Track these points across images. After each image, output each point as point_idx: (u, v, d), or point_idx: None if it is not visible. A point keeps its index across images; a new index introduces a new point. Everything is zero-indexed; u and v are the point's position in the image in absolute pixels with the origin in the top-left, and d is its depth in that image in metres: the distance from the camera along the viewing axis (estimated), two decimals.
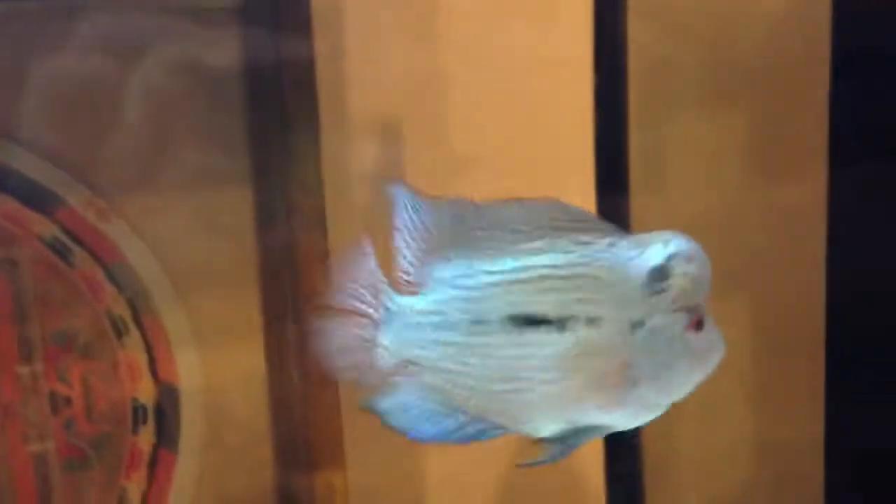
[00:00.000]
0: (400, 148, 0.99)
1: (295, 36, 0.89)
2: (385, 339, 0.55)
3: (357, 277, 0.56)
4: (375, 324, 0.55)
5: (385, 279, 0.55)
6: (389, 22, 0.98)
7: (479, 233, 0.53)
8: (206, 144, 0.92)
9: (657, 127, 1.05)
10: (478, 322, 0.53)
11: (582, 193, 0.99)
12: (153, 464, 0.93)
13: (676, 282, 0.52)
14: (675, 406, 0.55)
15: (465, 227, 0.54)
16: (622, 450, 1.02)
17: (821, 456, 1.08)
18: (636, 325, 0.52)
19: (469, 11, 0.99)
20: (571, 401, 0.53)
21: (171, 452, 0.94)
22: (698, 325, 0.52)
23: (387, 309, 0.55)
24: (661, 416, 0.55)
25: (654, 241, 0.53)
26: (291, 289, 0.93)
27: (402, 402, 0.55)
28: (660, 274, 0.52)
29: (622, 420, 0.54)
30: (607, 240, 0.52)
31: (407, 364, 0.55)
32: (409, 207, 0.55)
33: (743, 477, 1.10)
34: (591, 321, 0.52)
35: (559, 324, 0.52)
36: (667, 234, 0.53)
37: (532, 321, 0.52)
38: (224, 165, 0.92)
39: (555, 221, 0.52)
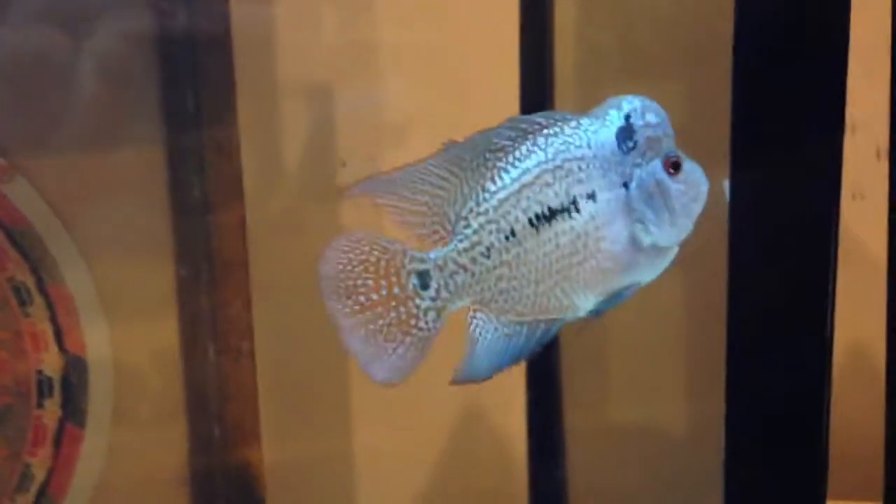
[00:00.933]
0: (329, 112, 0.96)
1: None
2: (426, 302, 0.56)
3: (366, 266, 0.56)
4: (406, 298, 0.56)
5: (404, 246, 0.56)
6: None
7: (475, 164, 0.57)
8: (117, 104, 0.88)
9: (583, 99, 1.04)
10: (508, 236, 0.56)
11: None
12: (59, 439, 0.89)
13: (641, 133, 0.56)
14: None
15: (458, 165, 0.57)
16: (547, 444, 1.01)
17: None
18: (625, 185, 0.56)
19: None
20: (602, 271, 0.57)
21: (78, 427, 0.90)
22: (674, 166, 0.57)
23: (419, 271, 0.56)
24: None
25: (609, 108, 0.57)
26: (206, 257, 0.89)
27: (484, 346, 0.57)
28: (625, 133, 0.56)
29: (647, 271, 0.58)
30: (572, 123, 0.57)
31: (465, 311, 0.57)
32: (395, 184, 0.57)
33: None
34: (590, 196, 0.56)
35: (566, 211, 0.56)
36: (616, 99, 0.57)
37: (546, 216, 0.56)
38: (136, 128, 0.88)
39: (524, 128, 0.56)
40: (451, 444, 1.03)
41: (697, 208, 0.57)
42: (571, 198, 0.56)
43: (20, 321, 0.87)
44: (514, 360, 0.58)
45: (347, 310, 0.57)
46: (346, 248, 0.57)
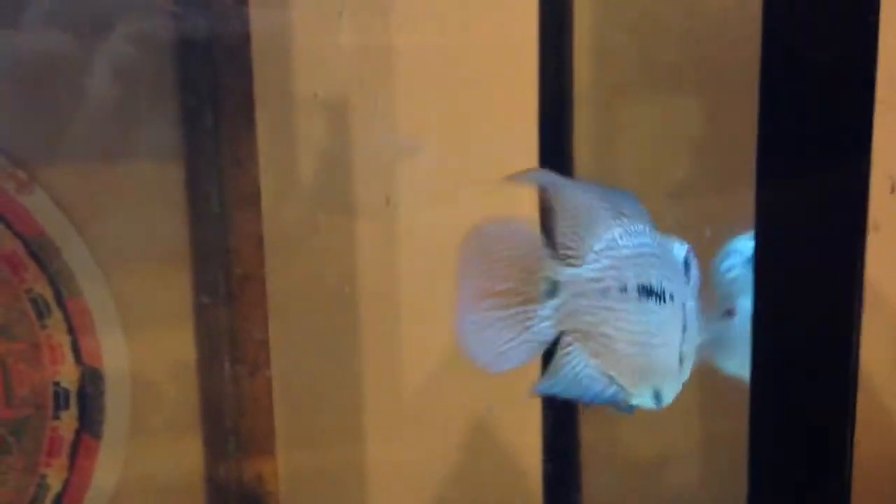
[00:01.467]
0: (345, 124, 0.96)
1: (231, 11, 0.85)
2: (547, 311, 0.57)
3: (507, 256, 0.57)
4: (529, 299, 0.57)
5: (548, 252, 0.57)
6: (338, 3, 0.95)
7: (608, 213, 0.59)
8: (136, 118, 0.88)
9: (602, 110, 1.04)
10: (622, 289, 0.58)
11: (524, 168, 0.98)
12: (75, 450, 0.89)
13: (692, 273, 0.60)
14: None
15: (599, 207, 0.59)
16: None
17: None
18: (684, 305, 0.60)
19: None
20: (662, 366, 0.59)
21: (94, 438, 0.90)
22: (729, 312, 0.65)
23: (552, 281, 0.57)
24: None
25: (671, 241, 0.60)
26: (224, 270, 0.89)
27: (569, 375, 0.59)
28: (686, 266, 0.60)
29: (669, 392, 0.60)
30: (656, 234, 0.59)
31: (568, 333, 0.58)
32: (558, 188, 0.58)
33: None
34: (671, 296, 0.59)
35: (658, 296, 0.59)
36: (675, 237, 0.60)
37: (646, 290, 0.58)
38: (154, 140, 0.88)
39: (638, 209, 0.59)
40: (464, 459, 1.03)
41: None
42: (662, 289, 0.58)
43: (38, 333, 0.88)
44: (582, 401, 0.60)
45: (475, 290, 0.57)
46: (495, 234, 0.57)
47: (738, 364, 0.73)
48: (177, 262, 0.90)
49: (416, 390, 1.02)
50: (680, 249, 0.60)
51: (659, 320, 0.58)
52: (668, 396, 0.61)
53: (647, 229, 0.59)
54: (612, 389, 0.59)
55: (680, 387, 0.61)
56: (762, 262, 0.47)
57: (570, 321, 0.57)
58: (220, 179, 0.88)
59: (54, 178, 0.86)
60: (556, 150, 0.96)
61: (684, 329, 0.59)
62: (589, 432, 1.00)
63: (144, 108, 0.89)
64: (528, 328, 0.57)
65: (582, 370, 0.58)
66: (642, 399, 0.60)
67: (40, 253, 0.87)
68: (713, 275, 0.75)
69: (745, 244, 0.76)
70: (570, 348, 0.58)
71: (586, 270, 0.57)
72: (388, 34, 0.97)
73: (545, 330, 0.57)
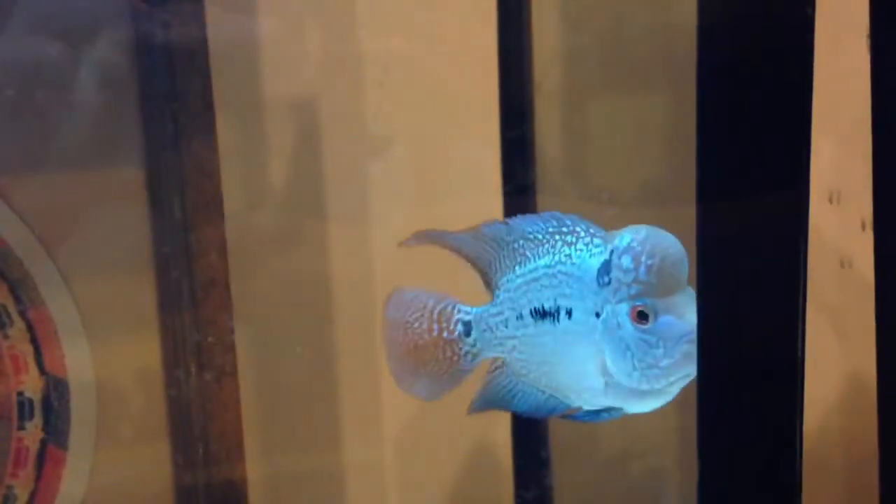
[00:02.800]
0: (311, 128, 0.95)
1: (189, 16, 0.85)
2: (466, 346, 0.65)
3: (424, 307, 0.66)
4: (451, 338, 0.66)
5: (456, 300, 0.66)
6: (303, 4, 0.95)
7: (513, 245, 0.63)
8: (96, 124, 0.87)
9: (565, 109, 1.04)
10: (519, 317, 0.63)
11: (490, 171, 0.98)
12: (41, 460, 0.89)
13: (614, 275, 0.56)
14: None
15: (503, 243, 0.63)
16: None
17: None
18: (597, 315, 0.58)
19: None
20: (579, 384, 0.61)
21: (60, 448, 0.89)
22: (640, 315, 0.56)
23: (465, 322, 0.65)
24: None
25: (617, 235, 0.58)
26: (188, 277, 0.89)
27: (498, 390, 0.66)
28: (605, 267, 0.57)
29: (626, 403, 0.60)
30: (585, 239, 0.60)
31: (491, 360, 0.65)
32: (456, 243, 0.65)
33: None
34: (568, 312, 0.60)
35: (553, 316, 0.60)
36: (629, 230, 0.57)
37: (540, 313, 0.61)
38: (114, 146, 0.88)
39: (554, 228, 0.61)
40: (438, 459, 1.03)
41: (667, 363, 0.56)
42: (556, 307, 0.60)
43: (0, 343, 0.87)
44: (529, 415, 0.65)
45: (403, 346, 0.67)
46: (410, 297, 0.67)
47: None
48: (140, 270, 0.90)
49: (388, 392, 1.01)
50: (602, 251, 0.58)
51: (562, 339, 0.60)
52: (633, 408, 0.59)
53: (559, 245, 0.60)
54: (551, 402, 0.64)
55: (645, 397, 0.58)
56: (704, 279, 0.46)
57: (487, 351, 0.65)
58: (181, 187, 0.87)
59: (15, 189, 0.85)
60: (519, 150, 0.96)
61: (600, 334, 0.58)
62: (558, 426, 1.00)
63: (104, 116, 0.88)
64: (455, 363, 0.66)
65: (513, 388, 0.65)
66: (586, 416, 0.62)
67: (2, 263, 0.86)
68: None
69: None
70: (495, 372, 0.65)
71: (489, 307, 0.64)
72: (352, 38, 0.97)
73: (468, 362, 0.66)
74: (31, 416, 0.88)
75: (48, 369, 0.88)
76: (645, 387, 0.57)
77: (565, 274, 0.59)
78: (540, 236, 0.61)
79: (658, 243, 0.56)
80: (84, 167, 0.88)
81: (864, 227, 0.77)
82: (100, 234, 0.88)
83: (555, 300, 0.60)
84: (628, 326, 0.56)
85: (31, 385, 0.88)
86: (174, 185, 0.87)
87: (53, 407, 0.89)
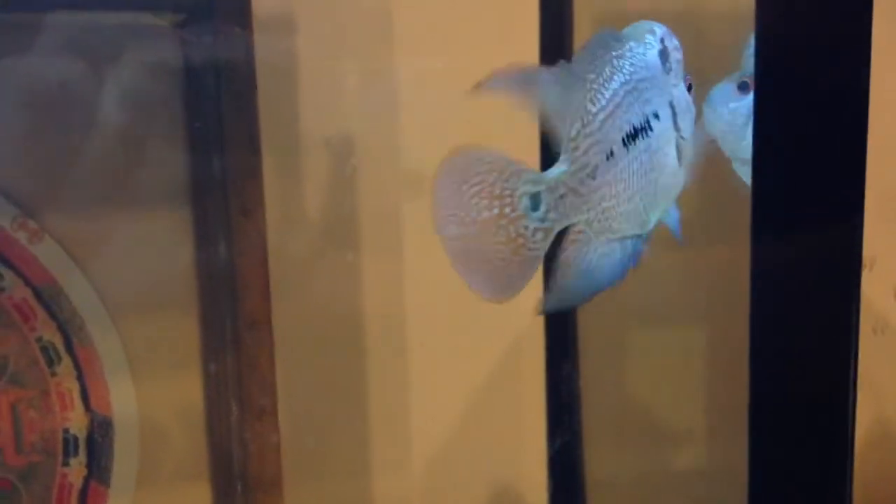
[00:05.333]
0: (352, 166, 0.97)
1: (237, 55, 0.87)
2: (534, 221, 0.57)
3: (478, 184, 0.57)
4: (514, 216, 0.56)
5: (519, 167, 0.57)
6: (340, 42, 0.97)
7: (574, 87, 0.58)
8: (144, 165, 0.89)
9: None
10: (608, 156, 0.58)
11: None
12: (84, 497, 0.90)
13: (674, 57, 0.61)
14: None
15: (564, 90, 0.58)
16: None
17: None
18: (671, 104, 0.61)
19: (420, 37, 0.98)
20: (667, 185, 0.60)
21: (102, 485, 0.91)
22: (689, 87, 0.62)
23: (531, 194, 0.56)
24: None
25: (644, 32, 0.61)
26: (231, 316, 0.90)
27: (584, 273, 0.58)
28: (664, 56, 0.61)
29: (677, 186, 0.62)
30: (629, 44, 0.60)
31: (568, 231, 0.58)
32: (527, 81, 0.58)
33: None
34: (655, 115, 0.59)
35: (644, 129, 0.59)
36: (644, 24, 0.62)
37: (632, 135, 0.58)
38: (162, 186, 0.90)
39: (602, 50, 0.59)
40: (471, 495, 1.03)
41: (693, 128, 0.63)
42: (645, 117, 0.59)
43: (48, 380, 0.88)
44: (610, 282, 0.60)
45: (460, 229, 0.57)
46: (463, 165, 0.57)
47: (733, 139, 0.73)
48: (185, 310, 0.91)
49: (423, 431, 1.02)
50: (654, 40, 0.61)
51: (650, 153, 0.59)
52: (677, 190, 0.63)
53: (617, 63, 0.59)
54: (629, 249, 0.60)
55: (687, 175, 0.63)
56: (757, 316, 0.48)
57: (564, 220, 0.57)
58: (227, 227, 0.89)
59: (64, 227, 0.87)
60: None
61: (675, 118, 0.61)
62: (594, 464, 1.00)
63: (153, 156, 0.90)
64: (521, 245, 0.57)
65: (592, 255, 0.59)
66: (663, 219, 0.63)
67: (50, 301, 0.88)
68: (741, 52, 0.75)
69: None
70: (573, 245, 0.58)
71: (563, 167, 0.57)
72: (391, 78, 0.99)
73: (540, 240, 0.57)
74: (76, 452, 0.90)
75: (93, 406, 0.90)
76: (692, 154, 0.62)
77: (642, 80, 0.59)
78: (598, 65, 0.59)
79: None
80: (132, 207, 0.90)
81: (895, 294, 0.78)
82: (147, 274, 0.90)
83: (642, 112, 0.59)
84: (691, 100, 0.63)
85: (77, 422, 0.89)
86: (220, 226, 0.89)
87: (97, 444, 0.90)
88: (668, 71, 0.61)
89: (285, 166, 0.95)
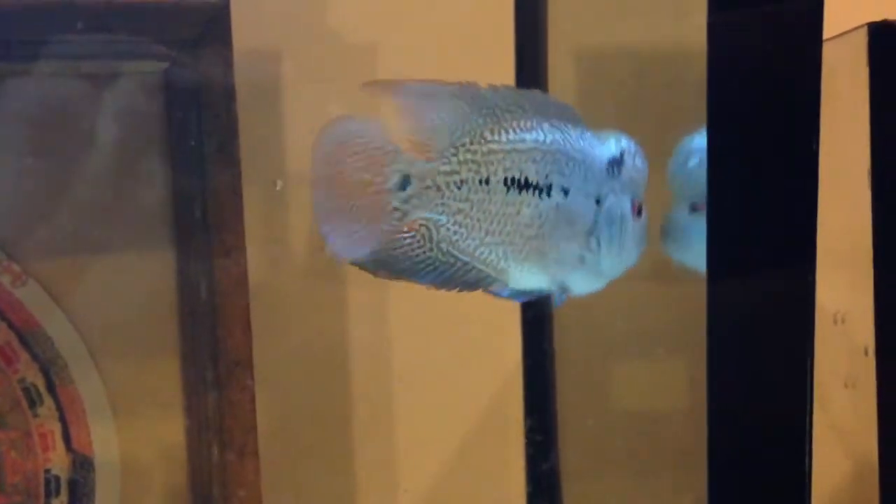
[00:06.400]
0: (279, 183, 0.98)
1: (219, 103, 0.88)
2: (398, 201, 0.61)
3: (360, 149, 0.61)
4: (381, 189, 0.61)
5: (399, 147, 0.61)
6: (321, 84, 0.98)
7: (484, 111, 0.62)
8: (126, 208, 0.90)
9: None
10: (484, 181, 0.62)
11: None
12: None
13: (626, 170, 0.63)
14: None
15: (475, 104, 0.62)
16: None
17: None
18: (597, 199, 0.63)
19: (402, 67, 0.99)
20: (544, 259, 0.63)
21: None
22: (639, 210, 0.64)
23: (403, 174, 0.61)
24: None
25: (612, 137, 0.64)
26: (212, 356, 0.91)
27: (403, 255, 0.63)
28: (617, 162, 0.63)
29: (580, 284, 0.65)
30: (580, 130, 0.64)
31: (417, 222, 0.62)
32: (416, 92, 0.63)
33: None
34: (564, 191, 0.62)
35: (539, 189, 0.62)
36: (619, 134, 0.65)
37: (520, 184, 0.62)
38: (144, 230, 0.91)
39: (542, 108, 0.63)
40: None
41: (635, 255, 0.65)
42: (549, 182, 0.62)
43: (30, 421, 0.89)
44: (423, 282, 0.64)
45: (330, 183, 0.62)
46: (352, 129, 0.62)
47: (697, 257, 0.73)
48: (166, 349, 0.92)
49: (408, 469, 1.03)
50: (612, 147, 0.64)
51: (536, 216, 0.62)
52: (580, 287, 0.65)
53: (547, 126, 0.62)
54: (472, 275, 0.63)
55: (600, 279, 0.64)
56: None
57: (419, 211, 0.62)
58: (209, 268, 0.90)
59: (47, 270, 0.88)
60: None
61: (596, 218, 0.63)
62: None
63: (135, 198, 0.91)
64: (378, 218, 0.61)
65: (424, 254, 0.62)
66: (533, 284, 0.64)
67: (33, 342, 0.88)
68: (672, 172, 0.76)
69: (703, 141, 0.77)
70: (414, 234, 0.62)
71: (440, 164, 0.61)
72: (377, 113, 1.00)
73: (395, 220, 0.61)
74: (58, 493, 0.90)
75: (75, 447, 0.90)
76: (612, 271, 0.65)
77: (564, 155, 0.62)
78: (524, 111, 0.62)
79: (641, 151, 0.65)
80: (115, 249, 0.90)
81: (866, 352, 0.79)
82: (129, 315, 0.91)
83: (546, 175, 0.62)
84: (629, 218, 0.64)
85: (58, 462, 0.90)
86: (202, 267, 0.90)
87: (79, 484, 0.91)
88: (612, 176, 0.63)
89: (267, 202, 0.96)
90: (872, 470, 0.48)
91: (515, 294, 0.65)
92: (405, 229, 0.62)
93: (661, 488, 1.07)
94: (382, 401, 1.01)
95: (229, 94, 0.88)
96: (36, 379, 0.89)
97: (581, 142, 0.63)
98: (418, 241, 0.62)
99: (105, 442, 0.91)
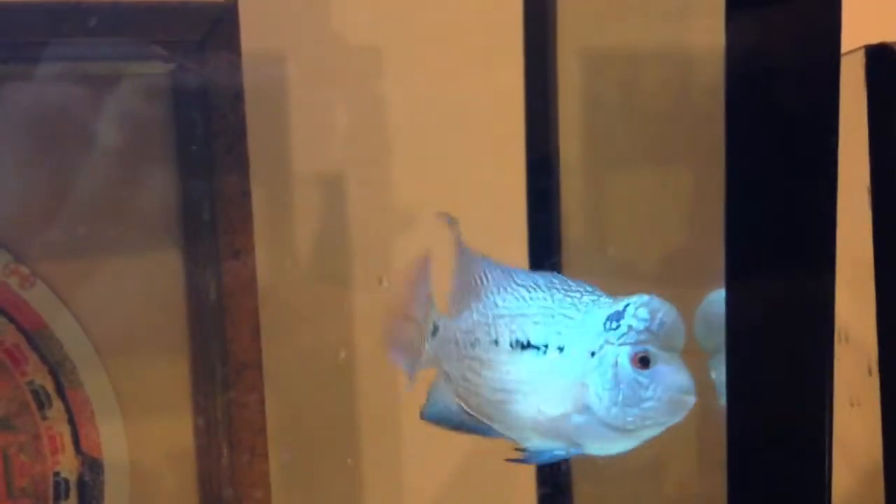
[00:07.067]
0: (342, 203, 0.98)
1: (226, 104, 0.88)
2: (428, 345, 0.69)
3: (416, 292, 0.70)
4: (422, 332, 0.70)
5: (434, 300, 0.70)
6: (329, 81, 0.98)
7: (507, 287, 0.67)
8: (134, 210, 0.90)
9: (589, 178, 1.06)
10: (494, 342, 0.66)
11: (515, 241, 1.00)
12: None
13: (626, 320, 0.62)
14: None
15: (493, 278, 0.68)
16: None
17: None
18: (593, 353, 0.62)
19: (409, 69, 0.99)
20: (545, 419, 0.63)
21: None
22: (641, 360, 0.61)
23: (434, 324, 0.69)
24: None
25: (626, 299, 0.63)
26: (221, 358, 0.91)
27: (439, 405, 0.70)
28: (616, 315, 0.62)
29: (594, 443, 0.64)
30: (591, 296, 0.65)
31: (441, 371, 0.69)
32: (468, 259, 0.70)
33: None
34: (560, 348, 0.63)
35: (538, 349, 0.64)
36: (638, 295, 0.63)
37: (523, 344, 0.65)
38: (152, 232, 0.91)
39: (553, 285, 0.66)
40: None
41: (650, 405, 0.61)
42: (546, 342, 0.64)
43: (39, 424, 0.89)
44: (455, 430, 0.69)
45: (397, 311, 0.71)
46: (422, 273, 0.70)
47: None
48: (175, 352, 0.92)
49: (415, 471, 1.03)
50: (622, 304, 0.62)
51: (535, 371, 0.64)
52: (594, 445, 0.64)
53: (557, 296, 0.65)
54: (482, 428, 0.68)
55: (615, 434, 0.62)
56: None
57: (439, 361, 0.69)
58: (217, 270, 0.90)
59: (55, 272, 0.88)
60: (544, 219, 0.99)
61: (587, 370, 0.62)
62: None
63: (143, 199, 0.91)
64: (418, 352, 0.70)
65: (445, 401, 0.69)
66: (538, 457, 0.65)
67: (42, 345, 0.88)
68: (699, 322, 0.76)
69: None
70: (440, 381, 0.69)
71: (459, 321, 0.68)
72: (382, 117, 1.00)
73: (426, 360, 0.70)
74: (67, 495, 0.90)
75: (84, 449, 0.90)
76: (619, 423, 0.62)
77: (565, 316, 0.64)
78: (533, 283, 0.66)
79: (671, 309, 0.62)
80: (123, 251, 0.90)
81: (870, 371, 0.79)
82: (137, 317, 0.90)
83: (545, 335, 0.64)
84: (627, 367, 0.61)
85: (67, 465, 0.90)
86: (211, 270, 0.90)
87: (88, 486, 0.90)
88: (609, 328, 0.62)
89: (276, 205, 0.96)
90: (878, 488, 0.48)
91: (534, 457, 0.66)
92: (437, 377, 0.69)
93: (675, 488, 1.07)
94: (390, 401, 1.01)
95: (237, 94, 0.88)
96: (45, 381, 0.89)
97: (585, 302, 0.64)
98: (442, 392, 0.69)
99: (114, 444, 0.91)
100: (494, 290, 0.67)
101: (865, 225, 0.53)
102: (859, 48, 0.80)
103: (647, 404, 0.61)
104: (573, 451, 0.64)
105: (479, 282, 0.68)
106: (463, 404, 0.68)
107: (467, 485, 1.04)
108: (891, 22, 0.92)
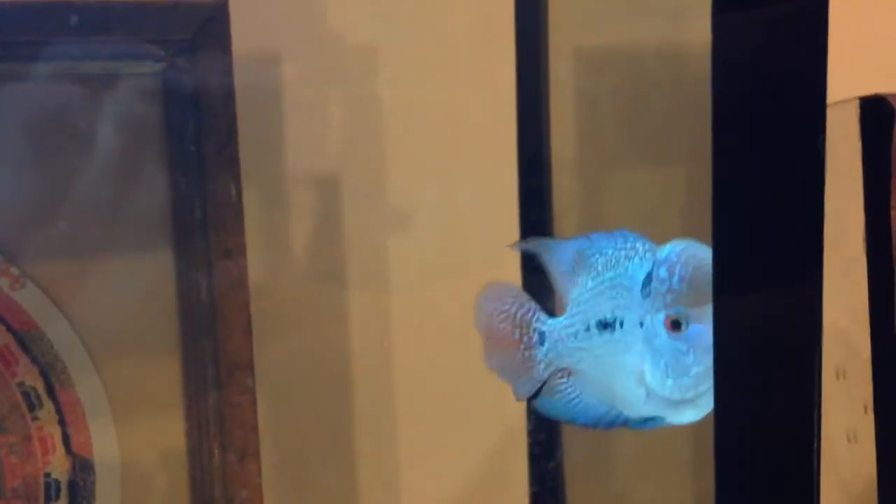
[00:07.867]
0: (334, 203, 0.98)
1: (218, 103, 0.88)
2: (541, 354, 0.68)
3: (509, 310, 0.69)
4: (529, 345, 0.68)
5: (538, 307, 0.69)
6: (321, 85, 0.98)
7: (590, 259, 0.66)
8: (125, 210, 0.90)
9: (581, 177, 1.06)
10: (587, 328, 0.65)
11: (510, 240, 1.00)
12: None
13: (653, 285, 0.61)
14: None
15: (582, 257, 0.67)
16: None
17: None
18: (642, 324, 0.62)
19: (401, 68, 0.99)
20: (626, 392, 0.63)
21: None
22: (673, 324, 0.60)
23: (540, 332, 0.68)
24: None
25: (659, 251, 0.63)
26: (213, 358, 0.90)
27: (564, 400, 0.68)
28: (647, 279, 0.62)
29: (665, 413, 0.63)
30: (642, 253, 0.64)
31: (560, 371, 0.68)
32: (547, 252, 0.69)
33: None
34: (621, 323, 0.63)
35: (611, 326, 0.64)
36: (672, 242, 0.62)
37: (601, 324, 0.65)
38: (144, 232, 0.90)
39: (621, 244, 0.65)
40: None
41: (697, 370, 0.60)
42: (614, 317, 0.64)
43: (29, 425, 0.89)
44: (583, 424, 0.68)
45: (491, 342, 0.70)
46: (496, 295, 0.70)
47: None
48: (166, 352, 0.92)
49: (410, 473, 1.03)
50: (644, 267, 0.62)
51: (615, 348, 0.64)
52: (675, 419, 0.63)
53: (622, 259, 0.64)
54: (611, 415, 0.66)
55: (679, 414, 0.62)
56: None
57: (557, 363, 0.67)
58: (209, 269, 0.89)
59: (46, 273, 0.88)
60: (537, 215, 0.99)
61: (650, 345, 0.61)
62: None
63: (133, 199, 0.91)
64: (529, 369, 0.68)
65: (577, 399, 0.67)
66: (632, 424, 0.65)
67: (32, 345, 0.88)
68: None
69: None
70: (562, 381, 0.68)
71: (561, 319, 0.67)
72: (377, 117, 0.99)
73: (541, 371, 0.68)
74: (58, 496, 0.90)
75: (75, 450, 0.90)
76: (677, 396, 0.61)
77: (621, 286, 0.63)
78: (610, 252, 0.65)
79: (693, 254, 0.60)
80: (114, 251, 0.90)
81: (866, 409, 0.79)
82: (128, 317, 0.90)
83: (612, 311, 0.64)
84: (663, 335, 0.61)
85: (58, 466, 0.89)
86: (202, 268, 0.89)
87: (79, 487, 0.90)
88: (645, 295, 0.62)
89: (268, 205, 0.96)
90: None
91: (638, 424, 0.65)
92: (559, 376, 0.68)
93: (666, 487, 1.07)
94: (384, 402, 1.01)
95: (228, 94, 0.88)
96: (35, 382, 0.88)
97: (632, 265, 0.64)
98: (569, 388, 0.68)
99: (105, 445, 0.90)
100: (583, 269, 0.66)
101: (861, 273, 0.53)
102: (853, 99, 0.80)
103: (694, 370, 0.60)
104: (652, 423, 0.64)
105: (573, 267, 0.67)
106: (592, 393, 0.67)
107: (459, 485, 1.04)
108: (884, 73, 0.93)
